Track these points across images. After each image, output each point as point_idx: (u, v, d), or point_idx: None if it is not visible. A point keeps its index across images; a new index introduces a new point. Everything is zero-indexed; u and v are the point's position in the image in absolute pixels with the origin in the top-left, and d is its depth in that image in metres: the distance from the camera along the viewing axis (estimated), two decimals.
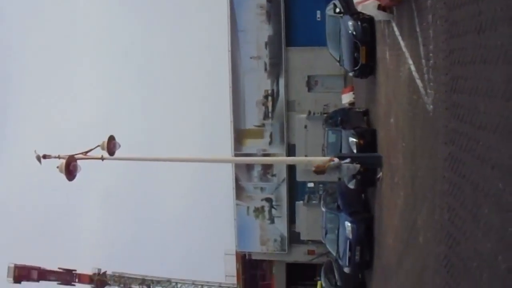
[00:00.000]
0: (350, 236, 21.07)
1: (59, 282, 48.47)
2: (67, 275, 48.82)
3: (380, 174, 18.44)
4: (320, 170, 16.72)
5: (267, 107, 36.89)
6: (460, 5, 8.92)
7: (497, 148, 7.17)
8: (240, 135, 37.46)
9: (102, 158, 16.87)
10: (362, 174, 18.45)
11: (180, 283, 48.50)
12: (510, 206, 6.69)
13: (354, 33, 20.76)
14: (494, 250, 7.18)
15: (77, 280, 48.87)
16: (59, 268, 48.83)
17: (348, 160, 17.40)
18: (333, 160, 16.98)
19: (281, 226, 37.86)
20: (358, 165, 17.56)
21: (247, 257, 40.17)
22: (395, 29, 15.34)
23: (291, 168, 36.19)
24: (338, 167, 17.09)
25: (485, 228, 7.58)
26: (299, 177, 36.12)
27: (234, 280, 43.26)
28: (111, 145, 16.86)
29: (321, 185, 35.27)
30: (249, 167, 37.60)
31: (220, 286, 47.18)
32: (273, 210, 37.91)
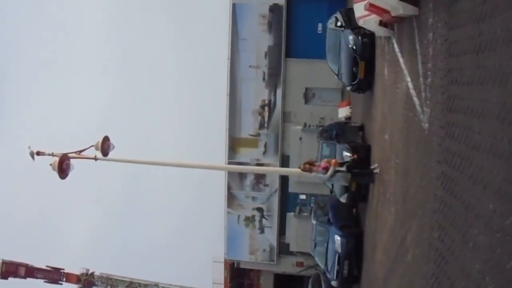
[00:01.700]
0: (339, 250, 21.05)
1: (46, 280, 48.28)
2: (54, 274, 48.64)
3: (376, 164, 18.35)
4: (307, 169, 17.31)
5: (263, 117, 36.91)
6: (461, 25, 8.95)
7: (490, 169, 7.19)
8: (234, 143, 37.45)
9: (96, 158, 16.85)
10: (354, 190, 18.54)
11: (167, 287, 48.36)
12: (500, 228, 6.69)
13: (354, 47, 20.79)
14: (482, 271, 7.18)
15: (64, 279, 48.69)
16: (47, 266, 48.63)
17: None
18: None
19: (271, 236, 37.80)
20: (349, 174, 17.72)
21: (235, 265, 40.09)
22: (395, 45, 15.37)
23: (284, 179, 36.21)
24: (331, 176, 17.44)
25: (474, 248, 7.58)
26: (292, 189, 36.12)
27: None
28: (105, 146, 16.85)
29: (312, 198, 35.24)
30: (242, 175, 37.55)
31: None
32: (263, 220, 37.84)
